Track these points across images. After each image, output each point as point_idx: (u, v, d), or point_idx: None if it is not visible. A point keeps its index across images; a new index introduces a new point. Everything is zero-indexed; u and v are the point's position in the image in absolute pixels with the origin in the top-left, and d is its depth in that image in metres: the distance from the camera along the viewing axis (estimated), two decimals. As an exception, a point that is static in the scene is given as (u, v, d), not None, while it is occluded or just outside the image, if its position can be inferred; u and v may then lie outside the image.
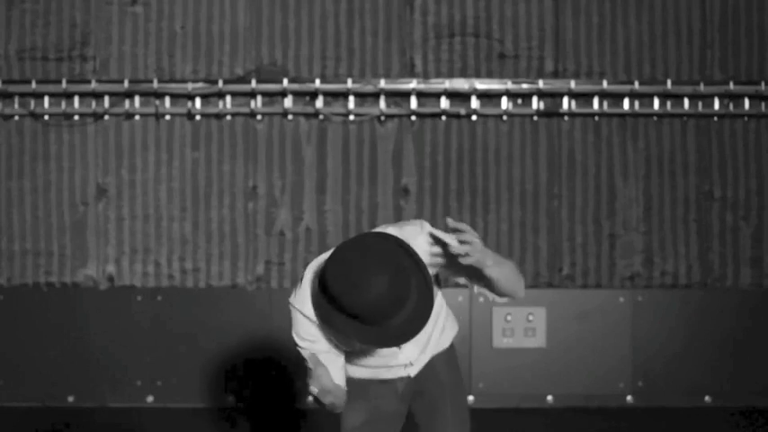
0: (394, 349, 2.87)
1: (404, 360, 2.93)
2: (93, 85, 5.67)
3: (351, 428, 2.94)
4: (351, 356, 2.91)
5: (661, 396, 5.68)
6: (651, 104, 5.82)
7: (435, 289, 2.88)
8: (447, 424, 2.96)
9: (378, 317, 2.49)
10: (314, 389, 2.72)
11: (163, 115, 5.78)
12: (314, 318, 2.70)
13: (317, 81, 5.67)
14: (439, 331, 2.99)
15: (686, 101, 5.81)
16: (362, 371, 2.94)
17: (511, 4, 5.85)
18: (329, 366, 2.75)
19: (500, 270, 2.71)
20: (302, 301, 2.71)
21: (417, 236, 2.69)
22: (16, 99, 5.73)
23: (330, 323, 2.57)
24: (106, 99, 5.73)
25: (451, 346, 3.07)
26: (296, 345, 2.78)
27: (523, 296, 2.88)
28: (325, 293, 2.54)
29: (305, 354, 2.75)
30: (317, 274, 2.66)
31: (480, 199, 5.84)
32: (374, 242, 2.55)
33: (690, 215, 5.87)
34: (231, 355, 5.65)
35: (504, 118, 5.82)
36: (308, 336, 2.73)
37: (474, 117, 5.80)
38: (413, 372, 2.95)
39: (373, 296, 2.44)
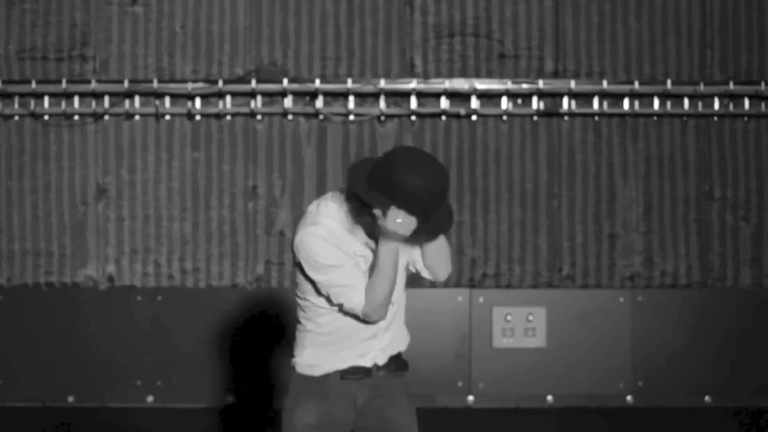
0: (372, 332, 2.99)
1: (380, 344, 3.02)
2: (93, 85, 5.67)
3: (301, 427, 2.97)
4: (333, 343, 2.98)
5: (661, 396, 5.68)
6: (651, 104, 5.82)
7: (402, 285, 3.07)
8: None
9: (436, 205, 2.79)
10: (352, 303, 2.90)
11: (163, 115, 5.78)
12: (332, 240, 2.88)
13: (317, 81, 5.67)
14: (401, 330, 3.10)
15: (686, 101, 5.81)
16: (333, 362, 2.99)
17: (511, 4, 5.85)
18: (358, 279, 2.91)
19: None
20: (320, 225, 2.90)
21: None
22: (16, 99, 5.73)
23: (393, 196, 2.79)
24: (106, 99, 5.73)
25: (407, 368, 3.16)
26: (319, 281, 2.91)
27: (444, 278, 3.06)
28: (392, 173, 2.78)
29: (340, 283, 2.90)
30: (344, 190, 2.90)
31: (480, 199, 5.84)
32: (412, 148, 2.89)
33: (690, 215, 5.87)
34: (231, 355, 5.65)
35: (504, 118, 5.82)
36: (332, 257, 2.88)
37: (474, 117, 5.80)
38: (380, 360, 3.03)
39: (440, 177, 2.80)
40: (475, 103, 5.77)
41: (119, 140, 5.81)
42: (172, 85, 5.70)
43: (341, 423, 3.01)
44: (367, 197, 2.80)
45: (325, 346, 3.02)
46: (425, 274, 3.08)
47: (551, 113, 5.82)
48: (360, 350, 3.00)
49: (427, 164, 2.83)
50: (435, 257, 3.02)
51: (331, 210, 2.90)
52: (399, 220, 2.80)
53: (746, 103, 5.81)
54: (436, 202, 2.80)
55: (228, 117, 5.80)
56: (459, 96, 5.78)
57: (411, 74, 5.82)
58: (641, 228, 5.86)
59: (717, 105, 5.81)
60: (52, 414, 5.47)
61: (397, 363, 3.09)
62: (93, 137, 5.80)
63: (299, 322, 3.03)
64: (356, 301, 2.91)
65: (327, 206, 2.91)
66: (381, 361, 3.03)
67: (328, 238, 2.88)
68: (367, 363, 3.01)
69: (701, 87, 5.74)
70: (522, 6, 5.85)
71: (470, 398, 5.67)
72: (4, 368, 5.64)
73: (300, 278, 2.94)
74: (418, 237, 2.90)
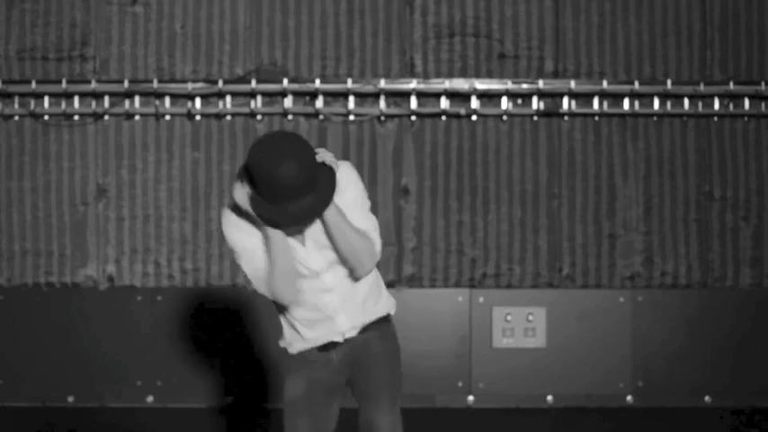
0: (326, 315, 3.05)
1: (340, 328, 3.07)
2: (93, 85, 5.67)
3: (292, 398, 3.08)
4: (298, 327, 3.09)
5: (661, 396, 5.68)
6: (651, 104, 5.82)
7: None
8: (381, 387, 3.13)
9: (279, 196, 2.74)
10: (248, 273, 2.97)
11: (163, 115, 5.78)
12: (242, 223, 2.92)
13: (317, 81, 5.67)
14: (372, 303, 3.12)
15: (686, 101, 5.81)
16: (302, 343, 3.10)
17: (511, 4, 5.85)
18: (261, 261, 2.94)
19: (337, 220, 2.91)
20: (228, 207, 2.96)
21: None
22: (16, 99, 5.73)
23: (252, 204, 2.80)
24: (106, 99, 5.73)
25: (389, 322, 3.20)
26: (236, 255, 2.98)
27: (364, 273, 3.01)
28: (246, 173, 2.82)
29: (248, 267, 2.97)
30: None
31: (480, 199, 5.84)
32: (296, 137, 2.82)
33: (690, 215, 5.87)
34: (231, 355, 5.65)
35: (504, 118, 5.82)
36: (242, 239, 2.94)
37: (474, 117, 5.80)
38: (348, 334, 3.08)
39: (281, 177, 2.71)
40: (475, 103, 5.77)
41: (119, 140, 5.81)
42: (172, 85, 5.70)
43: (329, 386, 3.10)
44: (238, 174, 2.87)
45: (293, 328, 3.12)
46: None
47: (551, 113, 5.82)
48: (323, 332, 3.07)
49: (286, 148, 2.76)
50: (342, 253, 2.96)
51: (238, 192, 2.90)
52: (239, 192, 2.82)
53: (746, 103, 5.82)
54: (281, 185, 2.73)
55: (228, 117, 5.80)
56: (459, 96, 5.78)
57: (411, 74, 5.82)
58: (641, 228, 5.86)
59: (717, 105, 5.81)
60: (52, 414, 5.47)
61: (372, 325, 3.13)
62: (93, 137, 5.81)
63: None
64: (261, 289, 2.99)
65: (235, 189, 2.93)
66: (351, 333, 3.09)
67: (236, 222, 2.93)
68: (337, 338, 3.08)
69: (701, 87, 5.74)
70: (522, 6, 5.85)
71: (470, 398, 5.67)
72: (4, 368, 5.64)
73: None
74: (280, 222, 2.84)
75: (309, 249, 2.98)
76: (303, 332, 3.10)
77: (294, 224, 2.83)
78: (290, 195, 2.76)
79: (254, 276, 2.97)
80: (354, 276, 3.03)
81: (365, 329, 3.11)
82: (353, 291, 3.07)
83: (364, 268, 3.00)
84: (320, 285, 3.03)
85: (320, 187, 2.82)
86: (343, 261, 2.99)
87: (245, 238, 2.94)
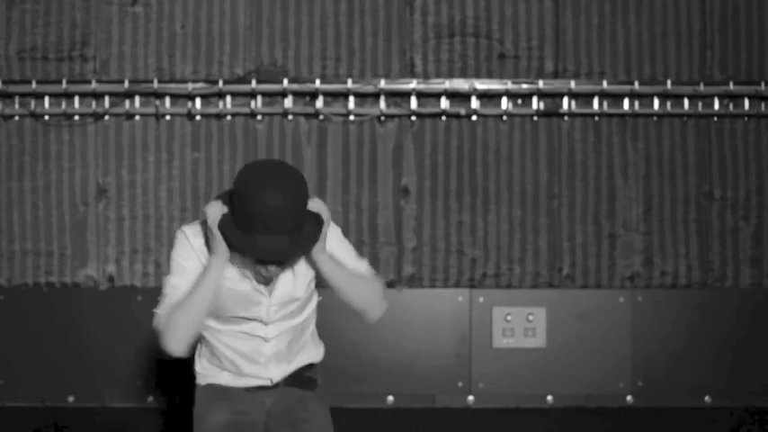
0: (263, 362, 2.90)
1: (270, 374, 2.94)
2: (94, 86, 5.67)
3: (214, 427, 2.89)
4: (223, 369, 2.93)
5: (661, 396, 5.68)
6: (651, 104, 5.82)
7: (313, 302, 2.97)
8: None
9: (258, 225, 2.56)
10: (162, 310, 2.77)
11: (163, 115, 5.78)
12: (197, 248, 2.77)
13: (317, 81, 5.67)
14: (298, 347, 2.98)
15: (686, 101, 5.81)
16: (229, 377, 2.96)
17: (511, 4, 5.85)
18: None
19: (338, 270, 2.76)
20: (195, 232, 2.80)
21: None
22: (16, 99, 5.73)
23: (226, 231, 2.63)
24: (106, 99, 5.73)
25: (316, 373, 3.05)
26: (169, 271, 2.83)
27: (376, 317, 2.89)
28: (231, 196, 2.64)
29: (173, 281, 2.79)
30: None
31: (480, 199, 5.84)
32: (294, 171, 2.68)
33: (690, 215, 5.87)
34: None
35: (504, 118, 5.82)
36: (187, 258, 2.77)
37: (474, 117, 5.81)
38: (277, 378, 2.95)
39: (264, 203, 2.54)
40: (475, 103, 5.77)
41: (119, 140, 5.81)
42: (172, 86, 5.70)
43: (253, 421, 2.93)
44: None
45: (216, 357, 2.95)
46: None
47: (551, 113, 5.82)
48: (252, 374, 2.93)
49: (280, 177, 2.59)
50: (352, 301, 2.83)
51: (213, 209, 2.74)
52: (213, 208, 2.65)
53: (746, 103, 5.82)
54: (260, 212, 2.54)
55: (228, 117, 5.80)
56: (459, 96, 5.78)
57: (411, 74, 5.82)
58: (641, 228, 5.86)
59: (717, 105, 5.81)
60: (52, 414, 5.47)
61: (301, 380, 3.00)
62: (93, 137, 5.81)
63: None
64: (164, 313, 2.74)
65: (211, 205, 2.77)
66: (279, 378, 2.96)
67: (194, 241, 2.76)
68: (265, 382, 2.95)
69: (701, 87, 5.74)
70: (522, 6, 5.85)
71: (470, 398, 5.67)
72: (4, 368, 5.64)
73: None
74: (244, 252, 2.64)
75: (273, 301, 2.84)
76: (228, 367, 2.93)
77: (258, 258, 2.63)
78: (266, 227, 2.57)
79: (171, 294, 2.76)
80: (367, 319, 2.89)
81: (295, 378, 2.98)
82: (290, 342, 2.94)
83: (377, 308, 2.88)
84: (261, 334, 2.88)
85: (300, 234, 2.63)
86: (354, 308, 2.86)
87: (191, 257, 2.77)
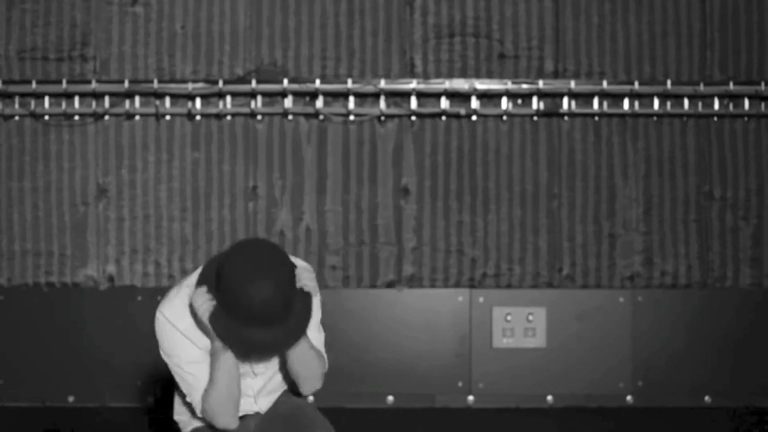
0: (251, 395, 2.88)
1: (258, 407, 2.92)
2: (94, 86, 5.67)
3: None
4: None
5: (661, 396, 5.68)
6: (651, 104, 5.82)
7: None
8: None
9: (248, 318, 2.49)
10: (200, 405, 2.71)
11: (163, 115, 5.78)
12: (186, 332, 2.67)
13: (317, 81, 5.67)
14: (284, 379, 2.96)
15: (686, 101, 5.81)
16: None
17: (511, 4, 5.85)
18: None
19: (306, 351, 2.70)
20: (177, 315, 2.68)
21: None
22: (16, 99, 5.73)
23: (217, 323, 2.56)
24: (106, 99, 5.73)
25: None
26: (171, 359, 2.75)
27: (310, 393, 2.85)
28: (218, 283, 2.55)
29: (189, 371, 2.72)
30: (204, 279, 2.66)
31: (480, 199, 5.84)
32: (279, 254, 2.59)
33: (690, 215, 5.87)
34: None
35: (504, 118, 5.82)
36: (183, 348, 2.68)
37: (474, 117, 5.80)
38: (263, 410, 2.93)
39: (254, 297, 2.47)
40: (475, 103, 5.77)
41: (119, 140, 5.81)
42: (172, 86, 5.70)
43: None
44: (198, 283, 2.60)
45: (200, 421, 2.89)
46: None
47: (551, 113, 5.82)
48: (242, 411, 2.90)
49: (265, 263, 2.51)
50: (295, 374, 2.76)
51: (199, 299, 2.62)
52: (200, 298, 2.55)
53: (746, 103, 5.81)
54: (252, 307, 2.47)
55: (228, 117, 5.80)
56: (459, 96, 5.78)
57: (411, 74, 5.82)
58: (641, 228, 5.86)
59: (717, 105, 5.81)
60: (52, 414, 5.47)
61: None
62: (93, 137, 5.81)
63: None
64: (196, 400, 2.70)
65: (196, 294, 2.64)
66: (266, 407, 2.95)
67: (184, 326, 2.67)
68: (253, 411, 2.94)
69: (701, 87, 5.74)
70: (522, 6, 5.85)
71: (470, 398, 5.67)
72: (4, 368, 5.64)
73: None
74: (232, 344, 2.57)
75: (259, 371, 2.82)
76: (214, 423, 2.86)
77: (257, 357, 2.62)
78: (260, 321, 2.50)
79: (195, 385, 2.70)
80: (300, 390, 2.84)
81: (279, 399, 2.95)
82: (282, 377, 2.92)
83: (312, 388, 2.83)
84: (249, 379, 2.86)
85: (293, 318, 2.57)
86: (292, 376, 2.80)
87: (185, 346, 2.69)
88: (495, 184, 5.84)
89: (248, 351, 2.59)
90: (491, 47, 5.86)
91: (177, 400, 2.98)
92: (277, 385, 2.97)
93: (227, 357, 2.63)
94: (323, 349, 2.84)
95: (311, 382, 2.81)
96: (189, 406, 2.90)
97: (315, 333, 2.80)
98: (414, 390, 5.65)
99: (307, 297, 2.63)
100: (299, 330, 2.61)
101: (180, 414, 3.00)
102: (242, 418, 2.91)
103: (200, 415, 2.76)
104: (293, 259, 2.70)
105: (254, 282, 2.48)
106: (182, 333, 2.68)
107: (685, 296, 5.78)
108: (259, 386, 2.90)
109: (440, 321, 5.67)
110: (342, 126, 5.83)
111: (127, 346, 5.63)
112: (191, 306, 2.63)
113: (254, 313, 2.50)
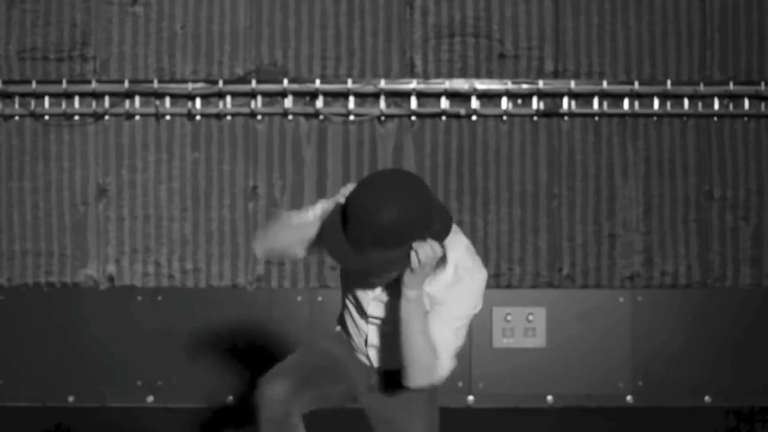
0: (365, 343, 2.89)
1: (369, 354, 2.91)
2: (94, 86, 5.67)
3: (322, 346, 2.93)
4: (346, 307, 2.93)
5: (661, 396, 5.68)
6: (651, 104, 5.82)
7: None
8: None
9: (365, 235, 2.46)
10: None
11: (163, 115, 5.78)
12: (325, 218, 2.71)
13: (317, 81, 5.68)
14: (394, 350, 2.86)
15: (686, 101, 5.81)
16: (347, 323, 2.97)
17: (511, 5, 5.85)
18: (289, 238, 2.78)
19: (414, 321, 2.60)
20: (327, 211, 2.74)
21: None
22: (16, 99, 5.74)
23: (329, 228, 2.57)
24: (106, 99, 5.73)
25: (430, 391, 2.96)
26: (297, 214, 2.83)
27: (412, 387, 2.73)
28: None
29: (294, 215, 2.80)
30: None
31: (480, 199, 5.84)
32: (419, 183, 2.54)
33: (690, 215, 5.87)
34: (231, 355, 5.65)
35: (504, 118, 5.82)
36: (313, 216, 2.75)
37: (474, 117, 5.81)
38: (375, 363, 2.93)
39: (380, 219, 2.44)
40: (475, 103, 5.77)
41: (119, 140, 5.81)
42: (172, 86, 5.70)
43: (353, 372, 2.89)
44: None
45: (345, 308, 2.97)
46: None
47: (551, 113, 5.82)
48: (359, 346, 2.94)
49: (388, 192, 2.48)
50: (401, 354, 2.67)
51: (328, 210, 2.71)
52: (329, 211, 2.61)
53: (746, 103, 5.82)
54: (368, 226, 2.44)
55: (229, 117, 5.80)
56: (459, 96, 5.78)
57: (411, 74, 5.82)
58: (641, 228, 5.86)
59: (717, 105, 5.81)
60: (52, 414, 5.47)
61: (394, 383, 2.91)
62: (93, 137, 5.81)
63: None
64: (275, 228, 2.88)
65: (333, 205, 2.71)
66: (382, 367, 2.94)
67: (323, 218, 2.69)
68: (363, 359, 2.96)
69: (701, 87, 5.74)
70: (522, 6, 5.85)
71: (470, 398, 5.67)
72: (4, 368, 5.64)
73: None
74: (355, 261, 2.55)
75: (372, 298, 2.78)
76: (348, 324, 2.93)
77: (346, 262, 2.54)
78: (367, 241, 2.47)
79: (284, 218, 2.79)
80: (404, 382, 2.72)
81: (387, 377, 2.91)
82: (391, 348, 2.80)
83: (413, 382, 2.70)
84: (364, 314, 2.84)
85: (397, 253, 2.49)
86: (401, 362, 2.70)
87: (311, 224, 2.73)
88: (495, 184, 5.85)
89: (340, 257, 2.53)
90: (491, 47, 5.86)
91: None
92: (391, 359, 2.85)
93: (307, 225, 2.69)
94: (445, 348, 2.65)
95: (413, 373, 2.66)
96: (341, 311, 2.95)
97: (442, 331, 2.65)
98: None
99: (406, 249, 2.50)
100: (395, 266, 2.51)
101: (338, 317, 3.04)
102: (366, 365, 2.90)
103: (264, 239, 2.84)
104: (462, 243, 2.66)
105: (378, 206, 2.44)
106: (316, 219, 2.72)
107: (685, 296, 5.78)
108: (372, 340, 2.86)
109: (440, 321, 5.67)
110: (342, 126, 5.83)
111: (127, 346, 5.64)
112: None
113: (364, 233, 2.46)
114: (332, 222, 2.58)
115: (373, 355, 2.92)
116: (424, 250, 2.49)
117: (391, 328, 2.74)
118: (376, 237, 2.46)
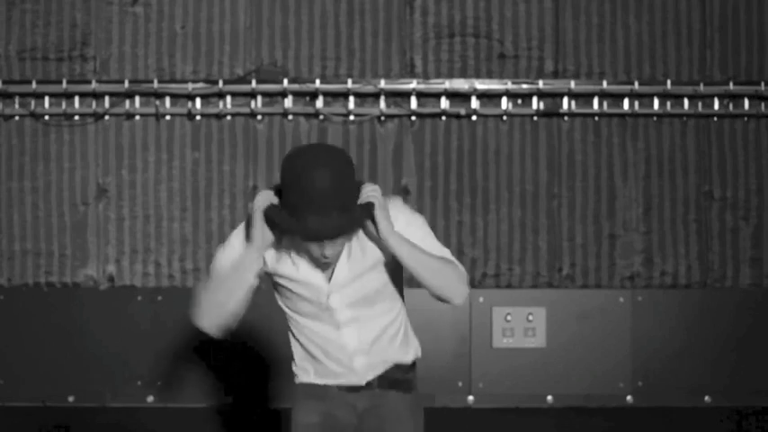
0: (345, 354, 2.86)
1: (356, 368, 2.89)
2: (94, 86, 5.67)
3: (303, 426, 2.89)
4: (313, 358, 2.91)
5: (661, 396, 5.68)
6: (651, 104, 5.82)
7: (400, 302, 2.98)
8: None
9: (306, 205, 2.53)
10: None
11: (163, 115, 5.78)
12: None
13: (317, 81, 5.67)
14: (387, 341, 2.93)
15: (686, 101, 5.81)
16: (326, 376, 2.92)
17: (511, 5, 5.85)
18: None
19: (412, 251, 2.71)
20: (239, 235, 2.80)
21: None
22: (17, 99, 5.74)
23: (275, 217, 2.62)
24: (106, 99, 5.73)
25: (414, 378, 3.02)
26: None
27: (460, 302, 2.87)
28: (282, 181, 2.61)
29: (219, 257, 2.81)
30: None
31: (480, 199, 5.84)
32: (342, 155, 2.63)
33: (690, 215, 5.87)
34: (231, 355, 5.65)
35: (504, 118, 5.82)
36: (240, 237, 2.79)
37: (474, 117, 5.81)
38: (369, 377, 2.91)
39: (314, 184, 2.52)
40: (475, 103, 5.77)
41: (119, 140, 5.81)
42: (172, 86, 5.70)
43: (343, 425, 2.90)
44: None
45: (308, 359, 2.94)
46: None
47: (551, 113, 5.82)
48: (340, 370, 2.89)
49: (319, 159, 2.56)
50: (432, 287, 2.80)
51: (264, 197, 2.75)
52: (260, 196, 2.65)
53: (746, 103, 5.82)
54: (309, 191, 2.52)
55: (229, 117, 5.80)
56: (459, 96, 5.78)
57: (411, 74, 5.82)
58: (641, 228, 5.86)
59: (717, 105, 5.81)
60: (52, 414, 5.47)
61: (394, 382, 2.96)
62: (93, 137, 5.81)
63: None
64: (201, 284, 2.80)
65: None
66: (370, 376, 2.92)
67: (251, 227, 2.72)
68: (359, 381, 2.91)
69: (701, 87, 5.74)
70: (522, 6, 5.85)
71: (470, 398, 5.67)
72: (5, 368, 5.64)
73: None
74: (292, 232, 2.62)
75: (334, 286, 2.78)
76: (323, 368, 2.90)
77: (305, 236, 2.59)
78: (315, 206, 2.53)
79: (212, 270, 2.80)
80: (453, 304, 2.86)
81: (389, 381, 2.93)
82: (375, 339, 2.88)
83: (460, 293, 2.84)
84: (333, 321, 2.83)
85: (349, 213, 2.59)
86: (434, 294, 2.83)
87: (241, 242, 2.77)
88: (495, 184, 5.84)
89: (297, 231, 2.58)
90: (491, 47, 5.86)
91: (293, 351, 3.00)
92: (378, 354, 2.90)
93: (244, 263, 2.71)
94: (453, 258, 2.81)
95: (452, 288, 2.81)
96: (298, 355, 2.95)
97: (432, 245, 2.77)
98: (414, 390, 5.64)
99: (368, 206, 2.63)
100: (355, 221, 2.61)
101: (293, 366, 3.02)
102: (348, 391, 2.89)
103: (198, 298, 2.80)
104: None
105: (313, 169, 2.52)
106: (244, 231, 2.76)
107: (685, 296, 5.78)
108: (353, 345, 2.85)
109: (440, 321, 5.67)
110: (342, 126, 5.83)
111: (127, 346, 5.64)
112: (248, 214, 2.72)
113: (309, 198, 2.52)
114: (271, 222, 2.66)
115: (362, 364, 2.89)
116: (373, 190, 2.65)
117: (363, 303, 2.81)
118: (335, 190, 2.55)
